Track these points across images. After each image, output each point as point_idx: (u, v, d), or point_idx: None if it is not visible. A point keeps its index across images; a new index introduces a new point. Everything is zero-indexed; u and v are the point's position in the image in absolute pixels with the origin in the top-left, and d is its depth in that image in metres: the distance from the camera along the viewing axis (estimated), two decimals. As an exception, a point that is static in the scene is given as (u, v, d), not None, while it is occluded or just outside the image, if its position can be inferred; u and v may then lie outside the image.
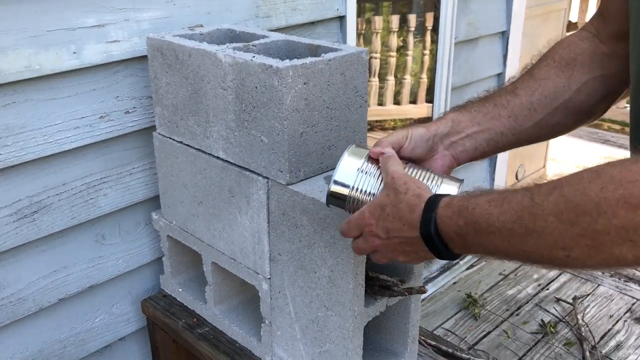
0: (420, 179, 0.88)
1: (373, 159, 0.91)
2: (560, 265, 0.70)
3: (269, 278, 1.23)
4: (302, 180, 1.13)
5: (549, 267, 0.70)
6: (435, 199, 0.79)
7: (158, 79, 1.32)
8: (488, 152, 1.00)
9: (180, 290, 1.51)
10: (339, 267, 1.06)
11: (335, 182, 0.90)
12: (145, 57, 1.38)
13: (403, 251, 0.84)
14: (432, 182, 0.88)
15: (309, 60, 1.07)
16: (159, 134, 1.39)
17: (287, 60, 1.06)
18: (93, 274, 1.47)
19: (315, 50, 1.21)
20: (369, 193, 0.88)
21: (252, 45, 1.23)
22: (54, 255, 1.40)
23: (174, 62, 1.25)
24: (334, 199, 0.91)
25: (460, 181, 0.89)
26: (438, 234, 0.77)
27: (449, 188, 0.87)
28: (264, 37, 1.31)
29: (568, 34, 4.27)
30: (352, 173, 0.89)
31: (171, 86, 1.29)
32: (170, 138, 1.35)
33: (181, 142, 1.33)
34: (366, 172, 0.89)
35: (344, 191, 0.89)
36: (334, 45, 1.19)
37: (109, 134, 1.39)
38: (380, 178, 0.88)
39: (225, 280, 1.42)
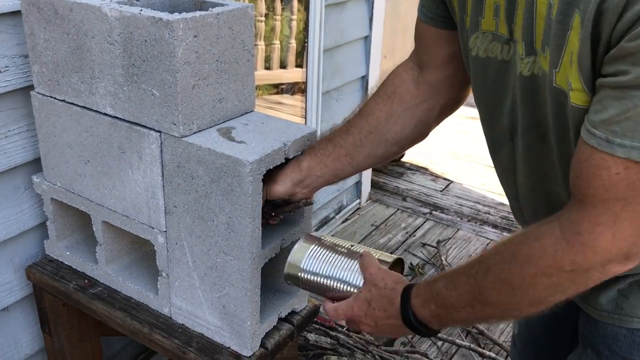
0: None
1: (321, 244, 1.10)
2: (520, 317, 0.96)
3: (165, 231, 1.26)
4: (196, 132, 1.17)
5: (513, 319, 0.96)
6: (407, 292, 0.96)
7: (35, 35, 1.27)
8: (336, 181, 1.24)
9: (67, 253, 1.49)
10: (237, 213, 1.12)
11: (288, 265, 1.10)
12: (16, 12, 1.32)
13: (392, 332, 1.03)
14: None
15: (198, 13, 1.10)
16: (38, 93, 1.34)
17: (177, 14, 1.08)
18: (-29, 243, 1.40)
19: (200, 6, 1.23)
20: (319, 274, 1.07)
21: (136, 0, 1.23)
22: None
23: (53, 17, 1.22)
24: (289, 278, 1.11)
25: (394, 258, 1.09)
26: (417, 320, 0.95)
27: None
28: (146, -8, 1.30)
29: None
30: (303, 257, 1.09)
31: (50, 42, 1.25)
32: (52, 97, 1.32)
33: (64, 101, 1.30)
34: (315, 257, 1.08)
35: (296, 273, 1.09)
36: (219, 1, 1.23)
37: (-19, 95, 1.32)
38: (329, 261, 1.07)
39: (117, 239, 1.42)
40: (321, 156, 1.19)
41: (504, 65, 0.94)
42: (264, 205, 1.17)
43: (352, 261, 1.06)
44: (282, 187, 1.18)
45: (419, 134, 1.20)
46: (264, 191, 1.15)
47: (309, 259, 1.08)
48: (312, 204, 1.22)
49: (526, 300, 0.85)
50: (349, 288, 1.04)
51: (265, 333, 1.28)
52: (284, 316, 1.34)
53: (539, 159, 0.96)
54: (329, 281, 1.06)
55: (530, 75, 0.88)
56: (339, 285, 1.05)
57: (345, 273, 1.05)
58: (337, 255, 1.07)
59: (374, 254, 1.06)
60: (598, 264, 0.79)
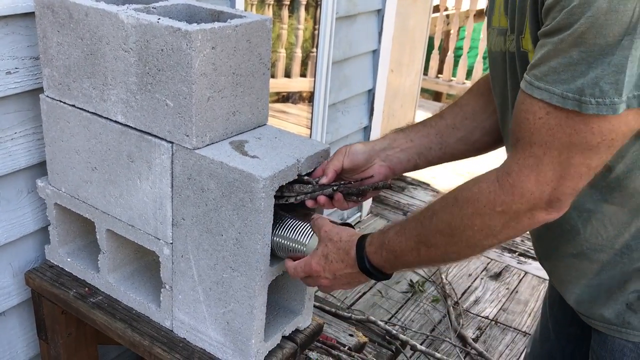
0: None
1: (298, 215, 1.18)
2: (458, 260, 1.00)
3: (171, 243, 1.23)
4: (208, 145, 1.14)
5: (452, 263, 0.97)
6: (362, 240, 1.04)
7: (48, 38, 1.25)
8: (420, 164, 1.20)
9: (69, 260, 1.46)
10: (247, 229, 1.10)
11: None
12: (29, 14, 1.30)
13: (348, 283, 1.09)
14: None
15: (217, 25, 1.08)
16: (47, 96, 1.32)
17: (195, 24, 1.06)
18: (-30, 245, 1.37)
19: (218, 16, 1.22)
20: (281, 236, 1.15)
21: (153, 8, 1.21)
22: None
23: (68, 21, 1.20)
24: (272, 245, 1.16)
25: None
26: (372, 266, 1.03)
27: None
28: (162, -1, 1.28)
29: (433, 15, 4.52)
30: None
31: (63, 46, 1.23)
32: (61, 101, 1.29)
33: (74, 106, 1.28)
34: (283, 224, 1.16)
35: (272, 238, 1.15)
36: (237, 12, 1.21)
37: (-12, 96, 1.30)
38: (289, 226, 1.15)
39: (120, 248, 1.39)
40: (408, 132, 1.20)
41: (507, 54, 0.99)
42: (335, 179, 1.16)
43: (307, 224, 1.14)
44: (362, 153, 1.17)
45: None
46: (339, 160, 1.16)
47: (278, 225, 1.16)
48: (390, 186, 1.18)
49: (463, 240, 0.91)
50: (301, 247, 1.13)
51: (269, 351, 1.26)
52: (287, 334, 1.31)
53: None
54: (287, 242, 1.14)
55: (514, 50, 0.94)
56: (294, 245, 1.13)
57: (297, 235, 1.13)
58: (297, 222, 1.15)
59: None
60: (525, 207, 0.84)
